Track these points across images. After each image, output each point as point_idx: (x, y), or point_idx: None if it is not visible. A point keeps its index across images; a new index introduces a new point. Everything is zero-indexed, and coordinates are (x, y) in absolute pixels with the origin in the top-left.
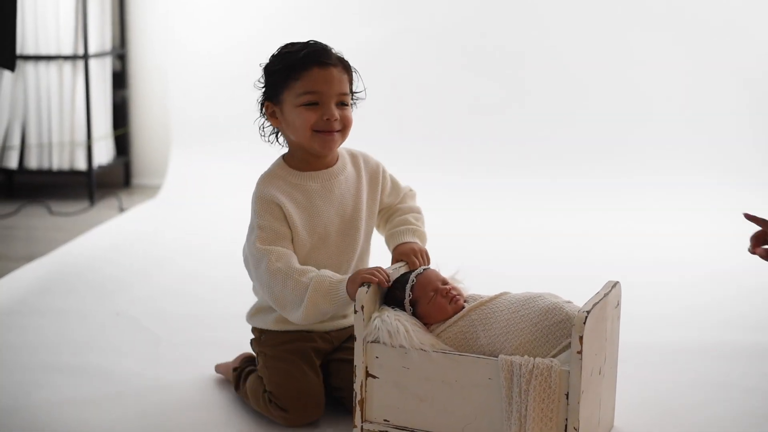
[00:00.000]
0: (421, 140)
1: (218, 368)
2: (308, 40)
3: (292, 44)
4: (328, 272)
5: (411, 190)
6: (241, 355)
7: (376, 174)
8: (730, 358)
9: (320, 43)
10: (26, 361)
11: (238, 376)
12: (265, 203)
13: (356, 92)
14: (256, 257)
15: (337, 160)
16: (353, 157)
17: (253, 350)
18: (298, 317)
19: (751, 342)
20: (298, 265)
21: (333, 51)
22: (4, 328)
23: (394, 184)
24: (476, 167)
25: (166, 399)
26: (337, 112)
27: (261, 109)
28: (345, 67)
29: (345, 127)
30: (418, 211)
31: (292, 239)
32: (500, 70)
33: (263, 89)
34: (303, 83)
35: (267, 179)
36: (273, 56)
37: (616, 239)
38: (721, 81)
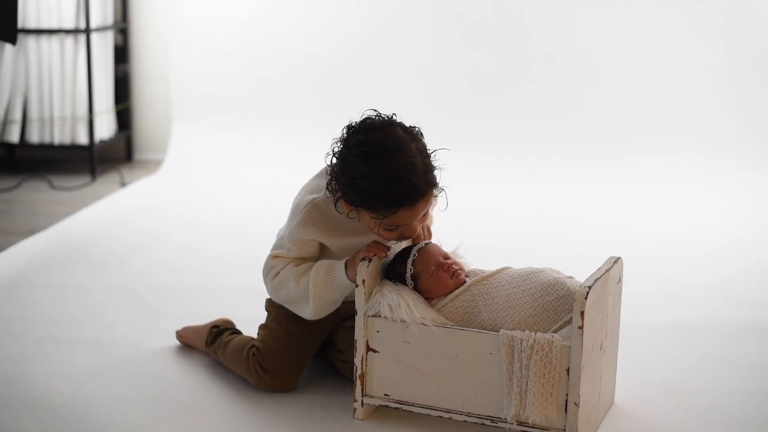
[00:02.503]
0: (421, 117)
1: (183, 332)
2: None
3: (383, 151)
4: (324, 263)
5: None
6: (220, 318)
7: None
8: (733, 336)
9: (413, 167)
10: (27, 334)
11: (218, 333)
12: (303, 238)
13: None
14: (267, 266)
15: None
16: None
17: (266, 308)
18: (309, 313)
19: (756, 320)
20: (295, 268)
21: (424, 173)
22: (5, 301)
23: None
24: (478, 144)
25: (166, 371)
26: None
27: (330, 173)
28: (431, 189)
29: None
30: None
31: (321, 250)
32: (501, 47)
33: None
34: (389, 220)
35: (317, 213)
36: (359, 160)
37: (618, 216)
38: (725, 64)
